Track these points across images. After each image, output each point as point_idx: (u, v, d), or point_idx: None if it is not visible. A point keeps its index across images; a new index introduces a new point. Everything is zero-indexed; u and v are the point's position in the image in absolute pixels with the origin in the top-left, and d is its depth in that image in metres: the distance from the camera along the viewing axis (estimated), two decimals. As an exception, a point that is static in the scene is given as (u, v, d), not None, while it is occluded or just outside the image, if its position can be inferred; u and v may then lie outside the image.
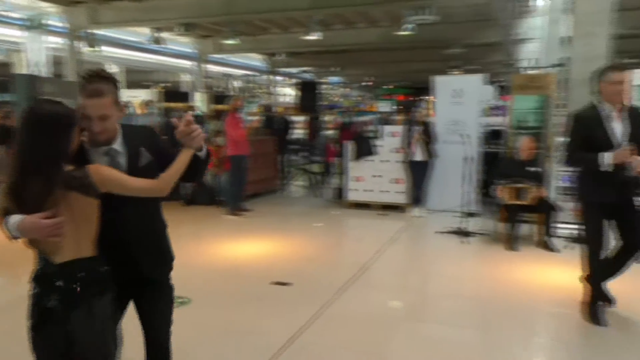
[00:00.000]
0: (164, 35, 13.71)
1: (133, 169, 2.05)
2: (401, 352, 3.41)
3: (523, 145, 6.09)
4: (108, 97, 1.99)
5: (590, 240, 3.77)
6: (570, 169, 6.51)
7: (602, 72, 3.60)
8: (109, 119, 2.00)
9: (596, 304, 3.78)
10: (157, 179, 2.01)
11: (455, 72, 18.54)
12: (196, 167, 2.12)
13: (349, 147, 8.18)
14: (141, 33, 14.23)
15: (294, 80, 24.76)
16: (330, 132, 13.24)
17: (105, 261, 2.00)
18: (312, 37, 12.37)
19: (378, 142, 8.05)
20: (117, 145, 2.07)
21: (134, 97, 13.90)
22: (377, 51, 20.60)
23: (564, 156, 3.88)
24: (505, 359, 3.31)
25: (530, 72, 10.42)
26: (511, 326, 3.79)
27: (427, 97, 17.60)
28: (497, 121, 9.35)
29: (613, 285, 3.92)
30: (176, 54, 16.27)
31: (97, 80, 1.99)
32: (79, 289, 1.88)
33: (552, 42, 10.60)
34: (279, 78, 24.75)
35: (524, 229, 6.05)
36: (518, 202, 5.68)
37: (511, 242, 5.72)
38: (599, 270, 3.76)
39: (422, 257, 6.12)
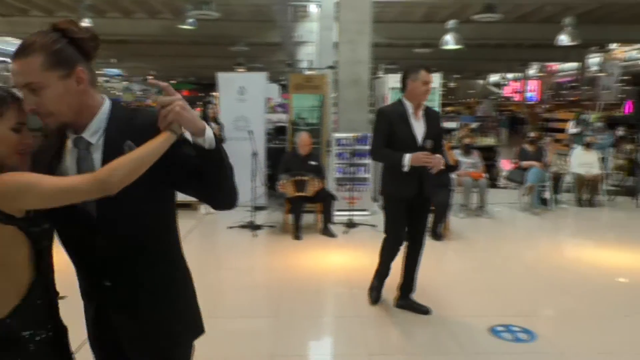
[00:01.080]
0: None
1: None
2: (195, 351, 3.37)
3: (302, 141, 6.55)
4: (37, 57, 1.28)
5: (389, 231, 3.88)
6: (344, 161, 7.28)
7: (413, 71, 3.64)
8: (43, 92, 1.31)
9: (380, 285, 4.08)
10: (94, 172, 1.32)
11: (240, 70, 18.93)
12: (205, 164, 1.38)
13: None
14: None
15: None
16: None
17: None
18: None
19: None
20: (89, 133, 1.41)
21: None
22: (160, 44, 19.73)
23: (369, 150, 3.97)
24: (296, 341, 3.56)
25: (307, 72, 11.26)
26: (300, 310, 4.07)
27: (214, 94, 17.50)
28: (282, 118, 9.88)
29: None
30: None
31: (44, 33, 1.32)
32: None
33: (326, 45, 11.65)
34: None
35: (308, 218, 6.53)
36: (300, 194, 6.11)
37: (296, 231, 6.13)
38: (390, 259, 3.95)
39: (215, 252, 6.13)
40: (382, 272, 4.07)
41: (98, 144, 1.42)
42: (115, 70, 29.49)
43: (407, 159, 3.51)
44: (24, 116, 1.38)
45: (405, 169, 3.53)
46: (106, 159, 1.37)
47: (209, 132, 1.35)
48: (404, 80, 3.70)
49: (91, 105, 1.41)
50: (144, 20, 15.32)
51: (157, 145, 1.33)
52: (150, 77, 31.35)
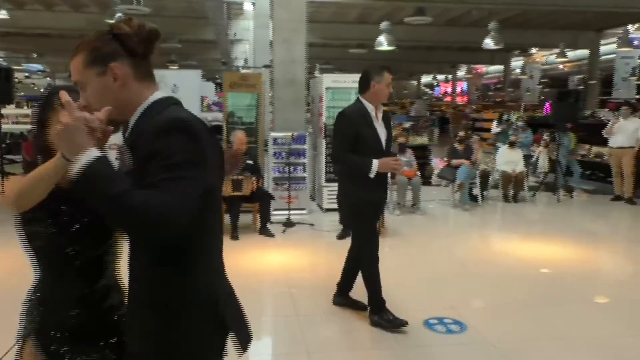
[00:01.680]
0: None
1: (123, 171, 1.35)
2: None
3: (237, 140, 6.45)
4: (80, 56, 1.34)
5: (366, 241, 3.60)
6: (281, 161, 7.24)
7: (377, 72, 3.52)
8: (86, 89, 1.34)
9: (384, 310, 3.65)
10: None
11: (173, 67, 18.40)
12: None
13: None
14: None
15: (-23, 65, 20.55)
16: (32, 127, 11.52)
17: None
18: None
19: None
20: (127, 131, 1.38)
21: None
22: (86, 39, 18.77)
23: (333, 154, 3.66)
24: (233, 344, 3.49)
25: (243, 71, 11.13)
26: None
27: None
28: (217, 117, 9.70)
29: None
30: None
31: (97, 35, 1.36)
32: None
33: (261, 44, 11.57)
34: (-45, 61, 20.21)
35: (245, 218, 6.45)
36: (237, 194, 6.02)
37: (233, 231, 6.03)
38: (377, 271, 3.62)
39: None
40: (377, 292, 3.65)
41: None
42: (36, 66, 27.77)
43: (376, 165, 3.37)
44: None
45: (372, 175, 3.38)
46: (121, 160, 1.40)
47: (80, 164, 1.18)
48: (366, 82, 3.51)
49: (135, 102, 1.36)
50: (68, 13, 14.54)
51: (51, 165, 1.35)
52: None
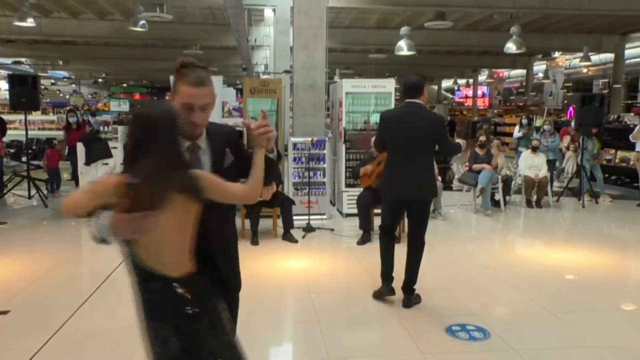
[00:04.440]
0: None
1: (216, 170, 1.86)
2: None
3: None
4: (211, 86, 1.85)
5: None
6: (300, 166, 7.24)
7: (425, 80, 4.17)
8: (209, 110, 1.87)
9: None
10: (246, 184, 1.85)
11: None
12: (270, 169, 1.92)
13: (79, 149, 7.46)
14: None
15: (4, 73, 21.09)
16: (59, 132, 11.79)
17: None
18: (24, 23, 10.59)
19: (114, 144, 7.53)
20: (202, 141, 1.91)
21: None
22: (110, 46, 19.18)
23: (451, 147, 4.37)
24: (255, 346, 3.49)
25: (263, 76, 11.19)
26: (260, 313, 4.00)
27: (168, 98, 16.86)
28: (238, 122, 9.75)
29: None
30: None
31: (197, 68, 1.85)
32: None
33: (282, 50, 11.63)
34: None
35: (266, 223, 6.47)
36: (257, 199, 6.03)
37: (254, 236, 6.05)
38: None
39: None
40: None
41: (206, 150, 1.93)
42: (62, 73, 28.40)
43: None
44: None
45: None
46: (214, 161, 1.92)
47: (275, 149, 1.96)
48: (422, 87, 4.00)
49: None
50: (93, 21, 14.85)
51: (262, 161, 1.85)
52: (100, 79, 30.39)
